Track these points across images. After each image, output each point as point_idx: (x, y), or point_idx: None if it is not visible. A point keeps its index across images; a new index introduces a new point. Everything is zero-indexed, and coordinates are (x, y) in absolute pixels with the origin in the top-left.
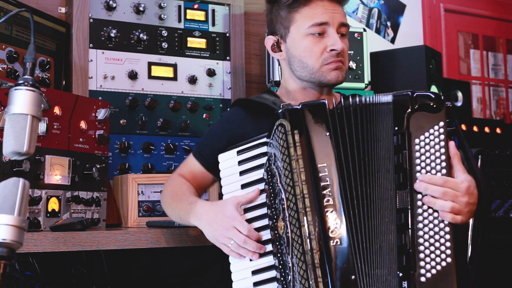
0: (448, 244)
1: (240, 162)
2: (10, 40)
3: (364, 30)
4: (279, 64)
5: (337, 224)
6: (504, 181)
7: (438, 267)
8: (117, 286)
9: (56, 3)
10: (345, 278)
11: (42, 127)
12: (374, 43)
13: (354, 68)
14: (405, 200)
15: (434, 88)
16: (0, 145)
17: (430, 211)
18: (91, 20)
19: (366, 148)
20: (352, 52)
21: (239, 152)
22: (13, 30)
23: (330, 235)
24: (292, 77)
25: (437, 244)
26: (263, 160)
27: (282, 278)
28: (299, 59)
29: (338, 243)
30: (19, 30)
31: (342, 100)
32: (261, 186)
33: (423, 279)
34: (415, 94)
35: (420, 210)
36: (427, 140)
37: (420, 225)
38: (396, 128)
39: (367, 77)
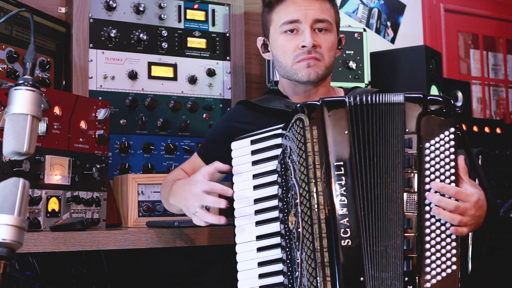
0: (454, 251)
1: (254, 152)
2: (10, 40)
3: (364, 30)
4: None
5: (349, 224)
6: (504, 181)
7: (444, 274)
8: (117, 286)
9: (56, 3)
10: (353, 279)
11: (42, 127)
12: (374, 43)
13: (354, 68)
14: (413, 204)
15: (434, 88)
16: (0, 145)
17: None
18: (91, 20)
19: (376, 148)
20: (352, 52)
21: (253, 142)
22: (13, 30)
23: (342, 235)
24: (282, 78)
25: (443, 251)
26: (277, 151)
27: (289, 273)
28: (276, 58)
29: (349, 243)
30: (19, 30)
31: (357, 98)
32: (273, 177)
33: (428, 285)
34: (428, 97)
35: (427, 216)
36: (437, 145)
37: (427, 231)
38: (407, 130)
39: (367, 77)
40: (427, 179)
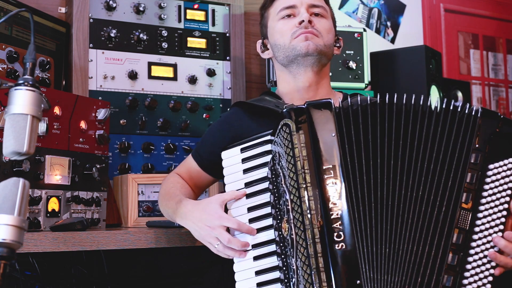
0: (490, 278)
1: (244, 160)
2: (10, 40)
3: (364, 30)
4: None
5: (342, 227)
6: None
7: None
8: (117, 286)
9: (56, 3)
10: (349, 282)
11: (42, 127)
12: (374, 43)
13: (354, 68)
14: (464, 221)
15: (434, 88)
16: (0, 145)
17: (485, 240)
18: (91, 20)
19: (379, 150)
20: (352, 52)
21: (242, 150)
22: (13, 30)
23: (335, 238)
24: (282, 73)
25: (481, 275)
26: (267, 158)
27: (286, 280)
28: (275, 43)
29: (343, 246)
30: (19, 30)
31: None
32: (265, 185)
33: None
34: (504, 118)
35: (475, 236)
36: (500, 169)
37: (472, 251)
38: (477, 146)
39: (367, 77)
40: (483, 200)
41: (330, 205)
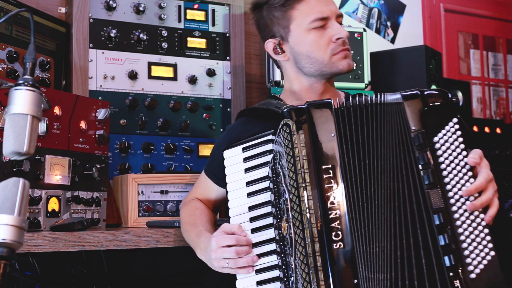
0: (488, 238)
1: (246, 159)
2: (10, 40)
3: (364, 30)
4: (279, 67)
5: (340, 227)
6: (504, 181)
7: (485, 262)
8: (117, 286)
9: (56, 3)
10: (347, 282)
11: (42, 127)
12: (374, 43)
13: (354, 68)
14: (437, 200)
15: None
16: (0, 145)
17: (465, 207)
18: (91, 20)
19: (370, 149)
20: (352, 52)
21: (244, 149)
22: (13, 30)
23: (334, 238)
24: (299, 77)
25: (478, 239)
26: (269, 157)
27: (285, 278)
28: (307, 55)
29: (341, 246)
30: (19, 30)
31: (350, 99)
32: (266, 184)
33: (473, 275)
34: (425, 92)
35: (454, 208)
36: (445, 138)
37: (458, 223)
38: (414, 128)
39: (367, 77)
40: (445, 172)
41: (329, 205)
